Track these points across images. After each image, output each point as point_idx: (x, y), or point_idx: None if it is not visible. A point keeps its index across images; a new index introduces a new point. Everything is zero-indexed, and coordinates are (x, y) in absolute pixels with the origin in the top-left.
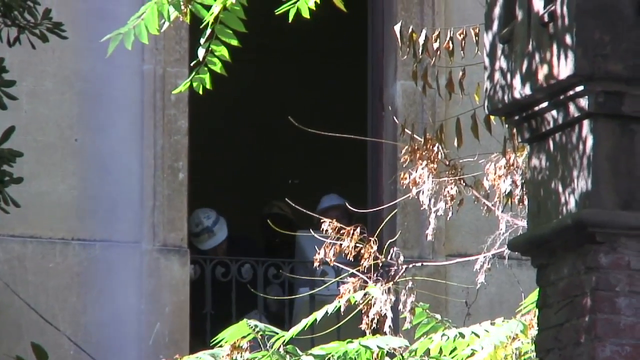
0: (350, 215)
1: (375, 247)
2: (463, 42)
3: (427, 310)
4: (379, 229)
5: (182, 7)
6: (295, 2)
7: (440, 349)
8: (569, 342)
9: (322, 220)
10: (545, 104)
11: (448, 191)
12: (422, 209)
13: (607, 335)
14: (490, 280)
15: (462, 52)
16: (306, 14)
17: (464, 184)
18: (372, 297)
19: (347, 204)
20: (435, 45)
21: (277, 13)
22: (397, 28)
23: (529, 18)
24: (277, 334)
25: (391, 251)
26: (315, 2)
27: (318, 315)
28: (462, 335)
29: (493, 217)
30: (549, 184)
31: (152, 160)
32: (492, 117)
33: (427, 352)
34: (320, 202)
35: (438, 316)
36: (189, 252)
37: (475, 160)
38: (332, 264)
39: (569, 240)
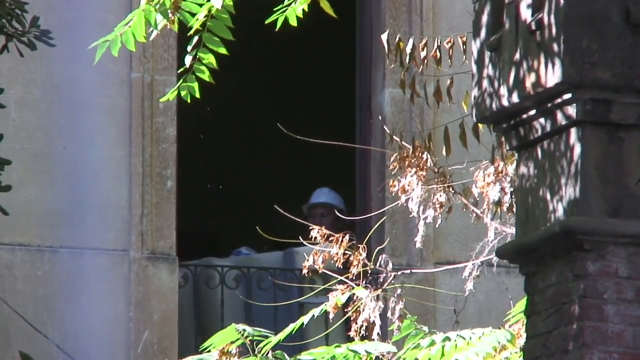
0: (337, 216)
1: (363, 255)
2: (450, 50)
3: (414, 322)
4: (367, 237)
5: (170, 15)
6: (284, 11)
7: (429, 359)
8: (557, 349)
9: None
10: (533, 112)
11: (437, 199)
12: (410, 216)
13: (595, 342)
14: (479, 288)
15: (449, 60)
16: (294, 23)
17: (453, 192)
18: (361, 303)
19: (335, 205)
20: (423, 53)
21: (266, 22)
22: (384, 37)
23: (517, 26)
24: (266, 338)
25: (380, 258)
26: (304, 10)
27: (305, 319)
28: (448, 339)
29: (481, 225)
30: (537, 192)
31: (140, 168)
32: (480, 125)
33: None
34: (311, 197)
35: (426, 328)
36: (177, 259)
37: (464, 168)
38: (320, 271)
39: (557, 248)
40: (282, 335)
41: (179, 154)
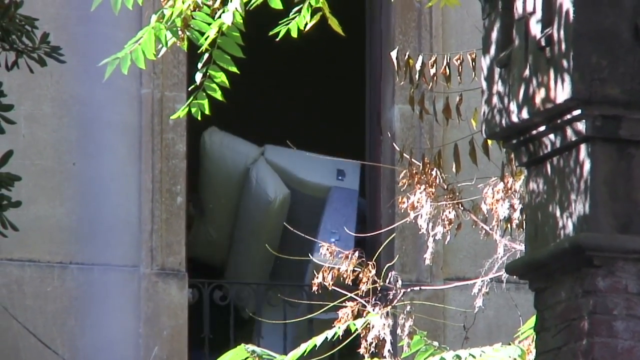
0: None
1: (373, 271)
2: (460, 67)
3: (424, 338)
4: (377, 253)
5: (180, 33)
6: (288, 24)
7: None
8: None
9: None
10: (542, 128)
11: (446, 215)
12: (420, 233)
13: (605, 359)
14: (488, 304)
15: (459, 77)
16: (295, 34)
17: (462, 208)
18: (371, 321)
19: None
20: (432, 70)
21: (270, 34)
22: (393, 54)
23: (527, 42)
24: (275, 358)
25: (389, 275)
26: (309, 24)
27: (318, 340)
28: (459, 358)
29: (491, 241)
30: (547, 208)
31: (150, 184)
32: (489, 142)
33: None
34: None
35: (436, 343)
36: (187, 275)
37: (473, 184)
38: (330, 288)
39: (566, 264)
40: (293, 356)
41: (188, 170)
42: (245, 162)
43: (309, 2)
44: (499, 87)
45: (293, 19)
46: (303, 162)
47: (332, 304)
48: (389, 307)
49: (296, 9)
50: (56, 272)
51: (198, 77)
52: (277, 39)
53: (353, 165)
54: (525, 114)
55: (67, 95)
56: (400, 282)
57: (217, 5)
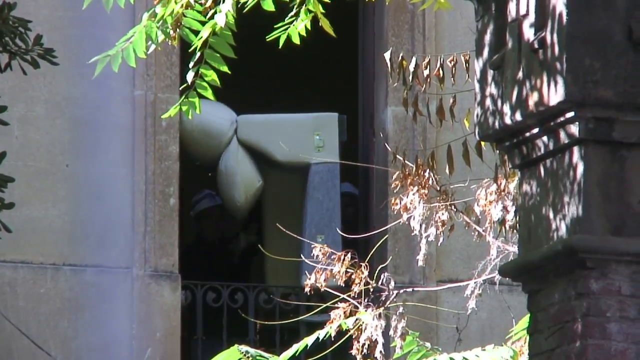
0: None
1: (366, 273)
2: (453, 69)
3: (417, 339)
4: (369, 255)
5: (171, 32)
6: (286, 29)
7: None
8: None
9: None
10: (535, 130)
11: (439, 217)
12: (413, 234)
13: None
14: (481, 306)
15: (452, 79)
16: (297, 40)
17: (455, 210)
18: (363, 322)
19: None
20: (426, 72)
21: (268, 39)
22: (387, 55)
23: (520, 45)
24: (268, 359)
25: (382, 276)
26: (306, 28)
27: (309, 340)
28: None
29: (484, 243)
30: (540, 210)
31: (143, 186)
32: (483, 143)
33: None
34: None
35: (428, 344)
36: (180, 277)
37: (466, 186)
38: (322, 290)
39: (559, 266)
40: (285, 356)
41: (181, 172)
42: (219, 145)
43: (306, 6)
44: (492, 89)
45: (290, 23)
46: (279, 131)
47: (324, 305)
48: (382, 308)
49: (292, 13)
50: (49, 274)
51: (190, 76)
52: (280, 47)
53: (330, 122)
54: (518, 116)
55: (60, 97)
56: (393, 283)
57: (209, 4)
